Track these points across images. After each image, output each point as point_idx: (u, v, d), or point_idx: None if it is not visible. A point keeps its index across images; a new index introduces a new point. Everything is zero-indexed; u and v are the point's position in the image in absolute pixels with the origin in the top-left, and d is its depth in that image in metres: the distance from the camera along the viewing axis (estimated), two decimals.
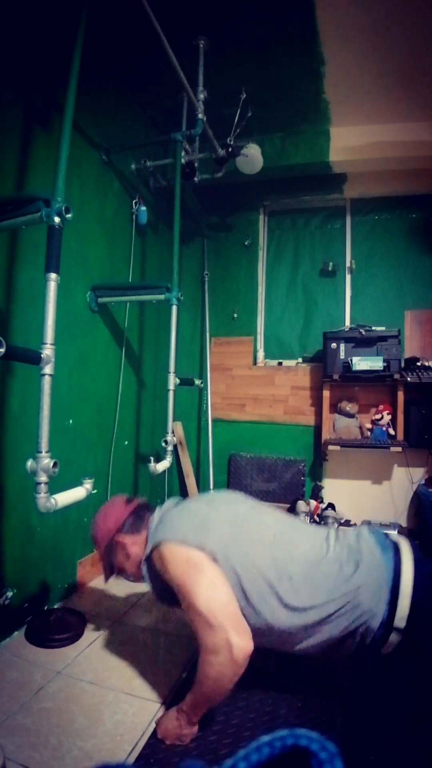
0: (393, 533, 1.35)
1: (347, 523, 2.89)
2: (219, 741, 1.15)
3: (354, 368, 2.77)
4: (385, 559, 1.17)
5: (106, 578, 1.46)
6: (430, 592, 1.12)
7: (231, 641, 1.05)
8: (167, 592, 1.23)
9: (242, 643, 1.06)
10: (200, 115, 2.23)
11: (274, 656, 1.48)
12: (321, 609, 1.12)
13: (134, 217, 2.53)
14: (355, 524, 2.89)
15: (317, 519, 2.76)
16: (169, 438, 2.11)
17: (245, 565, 1.16)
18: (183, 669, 1.49)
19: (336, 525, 1.37)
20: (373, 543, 1.22)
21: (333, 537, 1.27)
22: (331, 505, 2.85)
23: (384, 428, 2.87)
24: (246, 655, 1.07)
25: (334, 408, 3.06)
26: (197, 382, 2.76)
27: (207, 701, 1.12)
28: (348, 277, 3.24)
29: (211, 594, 1.09)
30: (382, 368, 2.74)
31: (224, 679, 1.07)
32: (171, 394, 2.15)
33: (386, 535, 1.30)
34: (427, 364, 2.83)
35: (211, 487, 2.94)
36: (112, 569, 1.41)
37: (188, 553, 1.16)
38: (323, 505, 2.88)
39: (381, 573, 1.14)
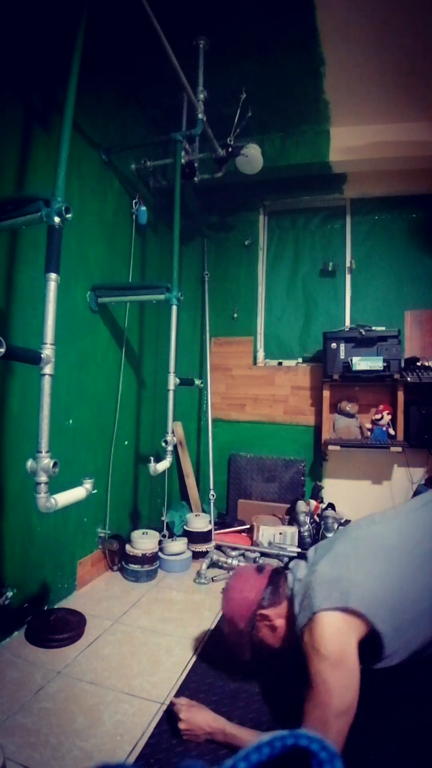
0: None
1: (347, 523, 2.89)
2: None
3: (354, 368, 2.77)
4: None
5: (248, 655, 1.35)
6: None
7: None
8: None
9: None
10: (200, 115, 2.23)
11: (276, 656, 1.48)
12: None
13: (134, 217, 2.53)
14: None
15: (317, 519, 2.76)
16: (169, 438, 2.11)
17: (401, 605, 1.09)
18: (183, 669, 1.49)
19: None
20: None
21: None
22: (331, 505, 2.85)
23: (384, 428, 2.87)
24: None
25: (334, 408, 3.06)
26: (197, 382, 2.76)
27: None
28: (348, 277, 3.24)
29: (342, 701, 1.01)
30: (382, 368, 2.74)
31: None
32: (171, 394, 2.15)
33: None
34: (427, 364, 2.83)
35: (211, 486, 2.93)
36: (252, 648, 1.33)
37: (341, 630, 1.07)
38: (323, 505, 2.88)
39: None
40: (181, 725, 1.15)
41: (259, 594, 1.29)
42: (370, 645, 1.09)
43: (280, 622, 1.27)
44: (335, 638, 1.06)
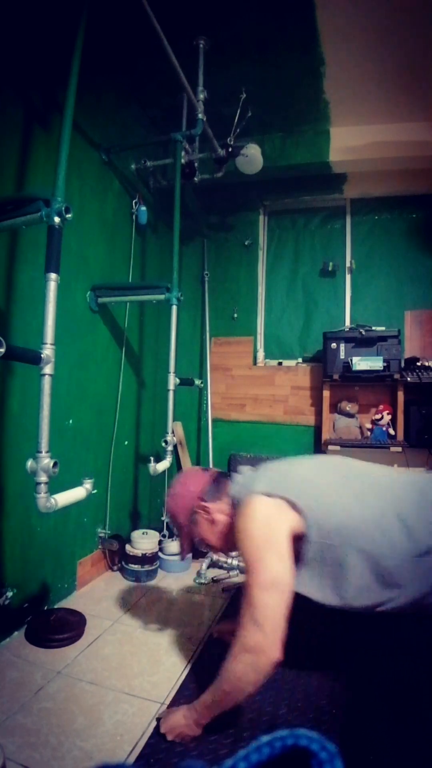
0: None
1: None
2: (219, 741, 1.15)
3: (354, 368, 2.76)
4: None
5: (184, 555, 1.44)
6: None
7: (267, 649, 1.02)
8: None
9: (274, 655, 1.03)
10: (200, 115, 2.23)
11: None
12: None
13: (134, 217, 2.53)
14: None
15: None
16: (169, 438, 2.11)
17: (336, 516, 1.13)
18: (183, 669, 1.49)
19: None
20: None
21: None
22: None
23: (384, 428, 2.87)
24: (273, 666, 1.04)
25: (334, 408, 3.06)
26: (197, 382, 2.76)
27: (222, 700, 1.09)
28: (348, 277, 3.24)
29: (269, 576, 1.05)
30: (382, 368, 2.73)
31: (245, 682, 1.05)
32: (171, 394, 2.15)
33: None
34: (427, 364, 2.83)
35: None
36: (191, 543, 1.38)
37: (270, 513, 1.11)
38: None
39: None
40: (168, 737, 1.14)
41: (201, 487, 1.34)
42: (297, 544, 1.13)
43: (219, 517, 1.31)
44: (262, 518, 1.11)
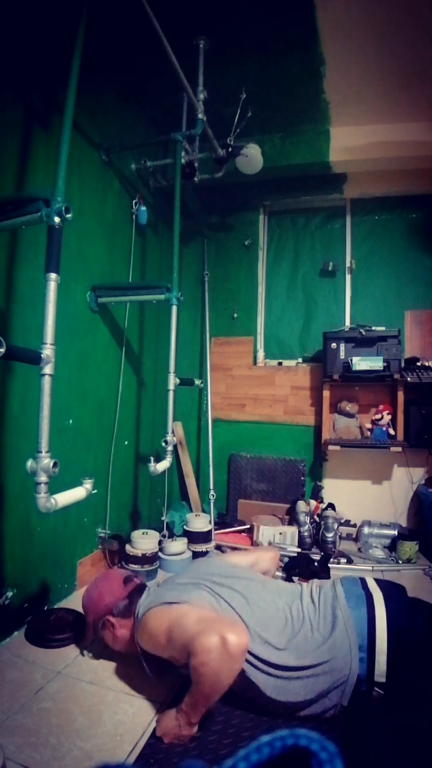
0: (369, 580, 1.39)
1: (347, 523, 2.90)
2: (219, 741, 1.15)
3: (354, 368, 2.77)
4: (357, 616, 1.23)
5: (86, 642, 1.55)
6: (407, 643, 1.17)
7: (225, 637, 1.08)
8: (158, 663, 1.31)
9: (237, 638, 1.08)
10: (200, 115, 2.23)
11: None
12: (299, 671, 1.18)
13: (134, 217, 2.53)
14: (354, 524, 2.89)
15: (317, 519, 2.76)
16: (169, 438, 2.11)
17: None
18: None
19: (308, 586, 1.45)
20: (344, 601, 1.28)
21: (307, 597, 1.35)
22: (331, 505, 2.85)
23: (384, 428, 2.87)
24: (242, 649, 1.09)
25: (334, 408, 3.06)
26: (197, 382, 2.76)
27: (206, 700, 1.12)
28: (348, 277, 3.24)
29: (198, 619, 1.17)
30: (382, 368, 2.74)
31: (221, 676, 1.08)
32: (171, 394, 2.15)
33: (361, 582, 1.37)
34: (427, 364, 2.83)
35: (211, 486, 2.94)
36: (92, 636, 1.52)
37: (169, 610, 1.25)
38: (323, 505, 2.88)
39: (353, 634, 1.20)
40: (165, 740, 1.15)
41: (114, 602, 1.44)
42: None
43: (122, 633, 1.43)
44: (159, 620, 1.24)
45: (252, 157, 2.63)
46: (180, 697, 1.20)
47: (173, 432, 2.18)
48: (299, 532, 2.66)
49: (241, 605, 1.29)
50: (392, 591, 1.33)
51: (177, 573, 1.60)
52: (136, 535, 2.28)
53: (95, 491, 1.56)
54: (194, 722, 1.15)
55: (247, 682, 1.20)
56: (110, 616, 1.43)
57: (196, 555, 2.48)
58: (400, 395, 2.88)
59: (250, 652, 1.18)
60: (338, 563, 2.42)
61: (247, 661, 1.18)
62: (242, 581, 1.40)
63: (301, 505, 2.81)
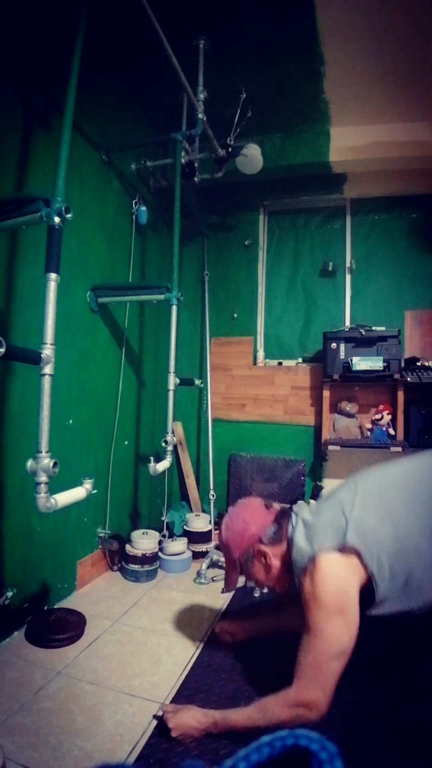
0: None
1: None
2: (219, 741, 1.14)
3: (354, 368, 2.77)
4: None
5: (231, 587, 1.39)
6: None
7: (321, 708, 1.05)
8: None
9: (323, 712, 1.06)
10: (200, 115, 2.23)
11: (276, 655, 1.49)
12: None
13: (134, 217, 2.53)
14: None
15: None
16: (169, 438, 2.11)
17: (400, 554, 1.09)
18: (183, 668, 1.49)
19: None
20: None
21: None
22: None
23: (384, 428, 2.87)
24: (318, 719, 1.07)
25: (334, 408, 3.06)
26: (197, 382, 2.76)
27: (248, 728, 1.09)
28: (348, 277, 3.24)
29: (338, 646, 1.06)
30: (382, 368, 2.74)
31: (285, 726, 1.05)
32: (171, 394, 2.15)
33: None
34: (427, 364, 2.83)
35: (211, 486, 2.93)
36: (237, 579, 1.36)
37: (341, 577, 1.09)
38: None
39: None
40: (173, 733, 1.15)
41: (262, 529, 1.28)
42: (367, 588, 1.11)
43: (276, 563, 1.27)
44: (335, 584, 1.08)
45: (252, 157, 2.63)
46: (181, 698, 1.20)
47: (173, 432, 2.18)
48: None
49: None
50: None
51: (339, 487, 1.35)
52: (136, 535, 2.28)
53: (95, 491, 1.56)
54: (213, 733, 1.14)
55: None
56: (261, 545, 1.28)
57: (196, 555, 2.48)
58: (400, 395, 2.88)
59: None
60: None
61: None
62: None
63: None
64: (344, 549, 1.10)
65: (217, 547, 2.58)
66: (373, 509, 1.15)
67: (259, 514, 1.32)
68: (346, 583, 1.08)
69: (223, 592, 1.38)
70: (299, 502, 1.38)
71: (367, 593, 1.11)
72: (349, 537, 1.10)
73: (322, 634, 1.06)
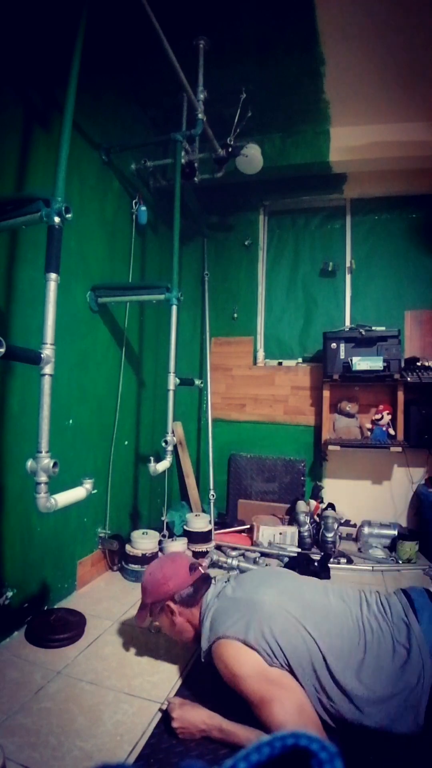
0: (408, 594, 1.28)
1: (347, 523, 2.90)
2: (219, 741, 1.14)
3: (354, 368, 2.77)
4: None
5: (138, 623, 1.47)
6: None
7: (302, 705, 1.07)
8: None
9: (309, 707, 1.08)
10: (200, 115, 2.23)
11: None
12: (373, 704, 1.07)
13: (134, 217, 2.53)
14: (354, 524, 2.89)
15: (317, 519, 2.76)
16: (169, 438, 2.11)
17: (300, 658, 1.14)
18: (183, 669, 1.49)
19: (372, 593, 1.32)
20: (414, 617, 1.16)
21: (374, 604, 1.24)
22: (331, 505, 2.85)
23: (384, 428, 2.87)
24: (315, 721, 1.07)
25: (334, 408, 3.06)
26: (197, 382, 2.76)
27: (246, 744, 1.09)
28: (348, 277, 3.24)
29: (293, 701, 1.07)
30: (382, 368, 2.74)
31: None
32: (171, 394, 2.15)
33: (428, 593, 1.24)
34: (427, 364, 2.83)
35: (211, 486, 2.93)
36: (145, 618, 1.45)
37: (247, 652, 1.15)
38: (323, 505, 2.88)
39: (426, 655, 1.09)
40: (174, 723, 1.16)
41: (178, 588, 1.38)
42: None
43: (180, 621, 1.38)
44: (247, 658, 1.15)
45: (252, 157, 2.63)
46: (181, 696, 1.20)
47: (173, 432, 2.18)
48: (299, 532, 2.65)
49: (316, 625, 1.18)
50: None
51: (242, 577, 1.44)
52: (136, 535, 2.28)
53: (95, 491, 1.56)
54: (225, 740, 1.13)
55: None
56: (171, 602, 1.38)
57: (196, 555, 2.48)
58: (400, 395, 2.88)
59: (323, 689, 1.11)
60: (338, 563, 2.42)
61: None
62: (306, 586, 1.32)
63: (301, 505, 2.80)
64: (244, 642, 1.17)
65: (217, 548, 2.58)
66: (281, 621, 1.20)
67: (180, 573, 1.41)
68: (252, 656, 1.15)
69: (137, 624, 1.50)
70: (219, 579, 1.47)
71: None
72: (249, 635, 1.17)
73: (269, 698, 1.07)
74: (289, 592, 1.29)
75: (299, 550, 2.57)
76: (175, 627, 1.39)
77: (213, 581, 1.44)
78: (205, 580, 1.43)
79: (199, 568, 1.47)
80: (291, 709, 1.05)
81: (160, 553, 2.33)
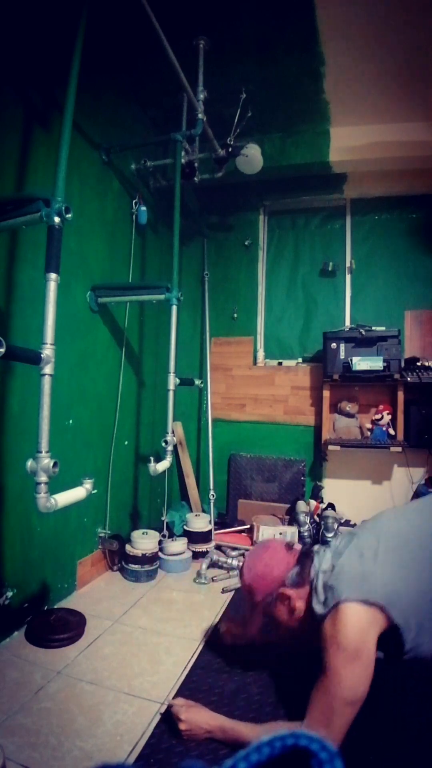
0: None
1: (347, 523, 2.89)
2: (219, 741, 1.14)
3: (354, 368, 2.77)
4: None
5: (256, 629, 1.35)
6: None
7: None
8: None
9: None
10: (200, 115, 2.23)
11: (275, 654, 1.49)
12: None
13: (134, 217, 2.53)
14: (354, 524, 2.89)
15: (317, 519, 2.76)
16: (169, 438, 2.11)
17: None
18: (183, 669, 1.49)
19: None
20: None
21: None
22: (331, 505, 2.85)
23: (384, 428, 2.87)
24: None
25: (334, 408, 3.06)
26: (197, 382, 2.76)
27: (249, 743, 1.08)
28: (348, 277, 3.24)
29: (352, 693, 1.03)
30: (382, 368, 2.74)
31: None
32: (171, 394, 2.15)
33: None
34: (427, 364, 2.83)
35: (211, 486, 2.93)
36: (261, 623, 1.33)
37: (362, 627, 1.06)
38: (323, 505, 2.88)
39: None
40: (182, 726, 1.15)
41: (286, 572, 1.27)
42: (391, 638, 1.09)
43: (299, 605, 1.24)
44: (356, 631, 1.06)
45: (252, 157, 2.63)
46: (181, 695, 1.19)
47: (173, 432, 2.18)
48: (299, 532, 2.65)
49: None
50: None
51: (359, 529, 1.30)
52: (136, 535, 2.28)
53: (95, 491, 1.56)
54: (228, 738, 1.13)
55: None
56: (284, 588, 1.25)
57: (196, 555, 2.48)
58: (400, 395, 2.88)
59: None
60: None
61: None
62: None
63: (301, 505, 2.80)
64: (368, 602, 1.08)
65: (217, 548, 2.58)
66: (398, 561, 1.13)
67: (281, 556, 1.31)
68: (366, 634, 1.07)
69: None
70: (318, 545, 1.36)
71: (389, 640, 1.09)
72: (373, 591, 1.08)
73: (339, 678, 1.04)
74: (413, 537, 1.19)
75: None
76: (295, 614, 1.25)
77: (315, 553, 1.31)
78: (307, 554, 1.31)
79: (294, 545, 1.36)
80: (335, 730, 1.01)
81: (160, 554, 2.33)
